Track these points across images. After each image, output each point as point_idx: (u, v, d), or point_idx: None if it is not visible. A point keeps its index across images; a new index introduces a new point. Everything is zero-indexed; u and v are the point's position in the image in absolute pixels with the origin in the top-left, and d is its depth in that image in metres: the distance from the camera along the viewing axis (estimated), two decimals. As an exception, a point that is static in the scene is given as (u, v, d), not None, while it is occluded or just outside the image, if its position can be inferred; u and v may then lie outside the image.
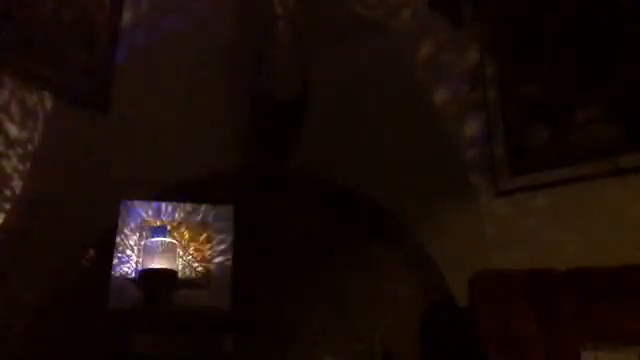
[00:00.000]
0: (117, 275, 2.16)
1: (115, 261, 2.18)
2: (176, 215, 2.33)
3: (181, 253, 2.27)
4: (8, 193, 1.87)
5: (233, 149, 2.75)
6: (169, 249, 2.18)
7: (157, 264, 2.13)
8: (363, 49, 2.46)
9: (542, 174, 2.20)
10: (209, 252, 2.31)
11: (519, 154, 2.28)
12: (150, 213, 2.30)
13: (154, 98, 2.32)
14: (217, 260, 2.30)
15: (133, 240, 2.24)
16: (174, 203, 2.34)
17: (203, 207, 2.37)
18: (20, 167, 1.89)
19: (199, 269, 2.28)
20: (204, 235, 2.33)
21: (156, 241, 2.19)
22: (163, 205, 2.33)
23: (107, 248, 2.21)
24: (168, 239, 2.22)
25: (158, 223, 2.28)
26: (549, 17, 2.26)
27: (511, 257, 2.18)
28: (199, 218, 2.36)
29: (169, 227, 2.29)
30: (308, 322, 2.48)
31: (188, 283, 2.23)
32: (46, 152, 1.95)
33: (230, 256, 2.30)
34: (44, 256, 2.10)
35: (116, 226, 2.24)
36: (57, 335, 2.17)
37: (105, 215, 2.28)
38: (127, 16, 2.17)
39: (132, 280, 2.17)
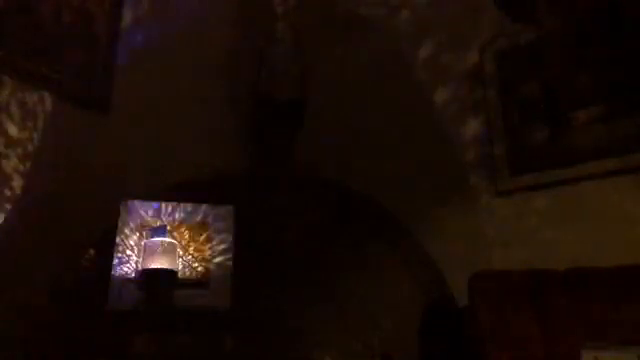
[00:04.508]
0: (117, 275, 2.17)
1: (115, 261, 2.19)
2: (176, 215, 2.34)
3: (181, 253, 2.27)
4: (8, 193, 1.86)
5: (233, 149, 2.75)
6: (169, 249, 2.19)
7: (157, 264, 2.13)
8: (363, 49, 2.46)
9: (542, 174, 2.20)
10: (209, 252, 2.32)
11: (519, 154, 2.27)
12: (150, 213, 2.31)
13: (154, 98, 2.32)
14: (217, 260, 2.30)
15: (133, 240, 2.25)
16: (174, 203, 2.35)
17: (203, 207, 2.37)
18: (20, 167, 1.89)
19: (199, 269, 2.28)
20: (204, 235, 2.34)
21: (156, 241, 2.19)
22: (163, 205, 2.33)
23: (107, 248, 2.21)
24: (168, 239, 2.22)
25: (158, 223, 2.29)
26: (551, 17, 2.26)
27: (511, 257, 2.18)
28: (199, 218, 2.36)
29: (169, 227, 2.29)
30: (308, 322, 2.47)
31: (188, 283, 2.24)
32: (46, 152, 1.95)
33: (230, 256, 2.30)
34: (44, 256, 2.10)
35: (116, 226, 2.25)
36: (57, 335, 2.17)
37: (105, 215, 2.29)
38: (127, 16, 2.17)
39: (132, 280, 2.17)
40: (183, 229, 2.33)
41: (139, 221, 2.28)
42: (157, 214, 2.32)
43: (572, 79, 2.19)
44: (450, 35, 2.40)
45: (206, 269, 2.29)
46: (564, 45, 2.21)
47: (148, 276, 2.13)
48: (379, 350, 2.43)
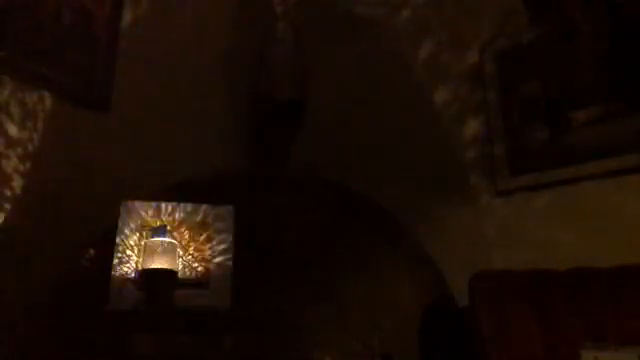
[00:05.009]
0: (117, 275, 2.17)
1: (115, 261, 2.18)
2: (176, 215, 2.33)
3: (181, 253, 2.27)
4: (8, 193, 1.87)
5: (233, 149, 2.75)
6: (169, 249, 2.18)
7: (157, 264, 2.13)
8: (363, 49, 2.46)
9: (542, 174, 2.20)
10: (209, 252, 2.31)
11: (519, 154, 2.27)
12: (150, 213, 2.30)
13: (154, 98, 2.32)
14: (217, 260, 2.30)
15: (133, 240, 2.24)
16: (174, 203, 2.34)
17: (203, 207, 2.37)
18: (20, 167, 1.89)
19: (199, 269, 2.28)
20: (204, 235, 2.33)
21: (156, 241, 2.19)
22: (163, 205, 2.33)
23: (107, 248, 2.21)
24: (168, 239, 2.22)
25: (158, 223, 2.28)
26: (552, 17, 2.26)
27: (511, 257, 2.18)
28: (199, 218, 2.36)
29: (169, 227, 2.29)
30: (308, 322, 2.47)
31: (188, 283, 2.24)
32: (46, 152, 1.95)
33: (230, 256, 2.30)
34: (44, 256, 2.10)
35: (116, 226, 2.24)
36: (57, 335, 2.17)
37: (105, 215, 2.28)
38: (127, 16, 2.17)
39: (132, 280, 2.17)
40: (183, 229, 2.33)
41: (139, 221, 2.28)
42: (157, 214, 2.31)
43: (572, 79, 2.19)
44: (450, 35, 2.40)
45: (206, 269, 2.28)
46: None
47: (148, 276, 2.13)
48: (379, 350, 2.43)
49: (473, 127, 2.42)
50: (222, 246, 2.32)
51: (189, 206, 2.35)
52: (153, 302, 2.12)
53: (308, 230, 2.69)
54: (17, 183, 1.88)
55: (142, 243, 2.21)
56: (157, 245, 2.17)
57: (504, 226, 2.30)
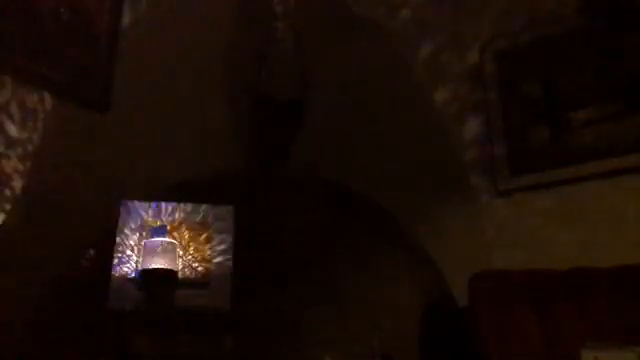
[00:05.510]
0: (117, 275, 2.17)
1: (115, 261, 2.19)
2: (176, 215, 2.33)
3: (181, 253, 2.27)
4: (8, 193, 1.86)
5: (233, 149, 2.75)
6: (169, 249, 2.18)
7: (157, 264, 2.13)
8: (363, 49, 2.46)
9: (542, 174, 2.20)
10: (209, 252, 2.31)
11: (519, 154, 2.27)
12: (150, 213, 2.30)
13: (154, 98, 2.32)
14: (217, 260, 2.30)
15: (133, 240, 2.24)
16: (174, 203, 2.34)
17: (203, 207, 2.37)
18: (20, 167, 1.89)
19: (199, 269, 2.28)
20: (204, 235, 2.34)
21: (156, 241, 2.19)
22: (163, 205, 2.33)
23: (107, 248, 2.21)
24: (168, 239, 2.22)
25: (158, 223, 2.28)
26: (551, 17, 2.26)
27: (511, 257, 2.18)
28: (199, 218, 2.36)
29: (169, 227, 2.29)
30: (308, 322, 2.47)
31: (188, 283, 2.24)
32: (46, 152, 1.95)
33: (230, 256, 2.30)
34: (44, 256, 2.10)
35: (116, 226, 2.25)
36: (57, 335, 2.17)
37: (105, 215, 2.29)
38: (127, 16, 2.17)
39: (132, 280, 2.17)
40: (183, 229, 2.33)
41: (139, 221, 2.28)
42: (157, 214, 2.31)
43: (572, 79, 2.19)
44: (450, 35, 2.40)
45: (206, 269, 2.28)
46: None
47: (148, 276, 2.13)
48: (379, 350, 2.43)
49: (473, 127, 2.41)
50: (222, 246, 2.32)
51: (189, 206, 2.36)
52: (153, 302, 2.12)
53: (308, 230, 2.70)
54: (17, 183, 1.88)
55: (142, 243, 2.22)
56: (157, 245, 2.17)
57: (504, 226, 2.29)
